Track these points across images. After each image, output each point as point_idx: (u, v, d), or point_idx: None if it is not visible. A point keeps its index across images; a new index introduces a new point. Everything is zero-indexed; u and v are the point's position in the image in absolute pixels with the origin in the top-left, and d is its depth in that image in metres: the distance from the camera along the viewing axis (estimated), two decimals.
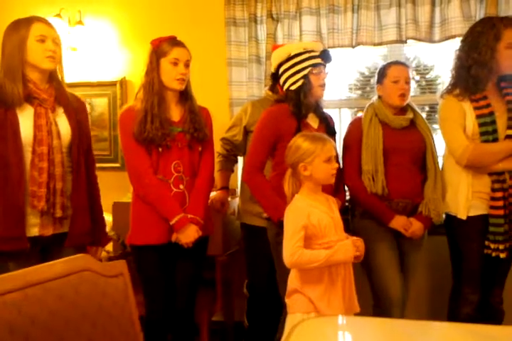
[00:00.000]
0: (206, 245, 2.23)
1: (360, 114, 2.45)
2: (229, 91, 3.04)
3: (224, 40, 3.04)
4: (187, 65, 2.11)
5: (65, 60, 2.07)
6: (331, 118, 2.32)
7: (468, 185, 2.21)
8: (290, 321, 1.83)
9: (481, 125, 2.17)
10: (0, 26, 1.96)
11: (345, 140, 2.36)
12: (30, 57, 1.89)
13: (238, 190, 2.80)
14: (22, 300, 1.06)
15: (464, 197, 2.21)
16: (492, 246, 2.15)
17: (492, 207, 2.15)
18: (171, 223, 2.04)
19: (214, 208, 2.51)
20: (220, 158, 2.68)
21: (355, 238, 1.84)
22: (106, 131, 3.27)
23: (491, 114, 2.18)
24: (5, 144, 1.82)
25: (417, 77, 3.14)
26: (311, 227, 1.80)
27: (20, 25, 1.89)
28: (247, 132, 2.54)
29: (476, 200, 2.20)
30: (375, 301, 2.28)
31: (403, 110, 2.32)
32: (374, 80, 2.42)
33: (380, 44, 2.85)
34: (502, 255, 2.14)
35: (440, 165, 2.34)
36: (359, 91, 3.24)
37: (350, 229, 2.24)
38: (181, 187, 2.10)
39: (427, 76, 3.18)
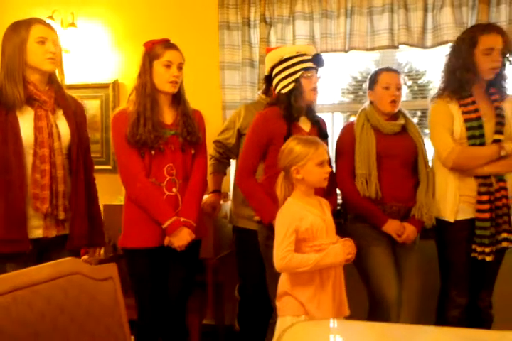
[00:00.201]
0: (199, 248, 2.23)
1: (352, 119, 2.46)
2: (222, 95, 3.04)
3: (217, 44, 3.04)
4: (180, 68, 2.11)
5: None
6: (323, 121, 2.33)
7: (455, 188, 2.24)
8: (280, 324, 1.84)
9: (468, 129, 2.21)
10: None
11: (338, 145, 2.38)
12: (30, 59, 1.89)
13: (230, 193, 2.80)
14: (10, 303, 1.06)
15: (451, 200, 2.24)
16: (478, 249, 2.17)
17: (478, 211, 2.18)
18: (164, 226, 2.03)
19: (205, 212, 2.51)
20: (213, 161, 2.68)
21: (344, 239, 1.85)
22: (98, 133, 3.26)
23: (479, 118, 2.21)
24: (6, 146, 1.82)
25: (409, 82, 3.16)
26: (303, 231, 1.80)
27: (21, 27, 1.89)
28: (240, 135, 2.54)
29: (463, 204, 2.23)
30: (371, 304, 2.28)
31: (394, 116, 2.34)
32: (366, 85, 2.44)
33: (373, 49, 2.87)
34: (488, 258, 2.16)
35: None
36: (351, 96, 3.25)
37: (342, 232, 2.24)
38: (174, 190, 2.09)
39: (419, 81, 3.20)
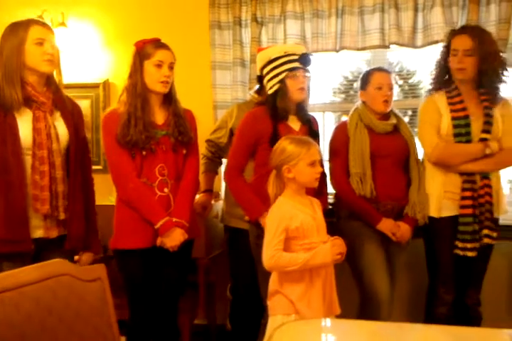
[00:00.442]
0: (191, 249, 2.23)
1: (344, 118, 2.48)
2: (213, 94, 3.04)
3: (208, 43, 3.04)
4: (171, 68, 2.10)
5: None
6: (314, 120, 2.33)
7: (440, 184, 2.29)
8: (271, 323, 1.84)
9: (455, 127, 2.26)
10: None
11: (331, 144, 2.39)
12: (28, 60, 1.89)
13: (222, 193, 2.80)
14: None
15: (436, 195, 2.29)
16: (460, 245, 2.22)
17: (462, 207, 2.23)
18: (156, 227, 2.02)
19: (196, 212, 2.51)
20: (205, 160, 2.68)
21: (333, 238, 1.85)
22: (88, 133, 3.22)
23: (466, 117, 2.26)
24: (4, 148, 1.82)
25: (400, 82, 3.17)
26: (293, 229, 1.81)
27: (19, 28, 1.89)
28: (232, 134, 2.54)
29: (448, 200, 2.27)
30: (362, 301, 2.30)
31: (386, 115, 2.37)
32: (357, 84, 2.45)
33: (364, 49, 2.87)
34: (470, 254, 2.21)
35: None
36: (343, 95, 3.26)
37: (335, 230, 2.26)
38: (166, 190, 2.09)
39: (410, 81, 3.22)
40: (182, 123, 2.13)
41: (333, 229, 2.15)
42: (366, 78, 2.36)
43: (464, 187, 2.23)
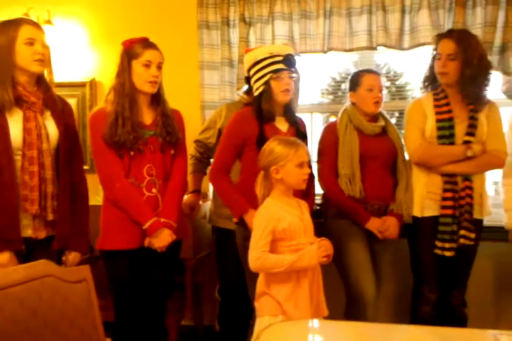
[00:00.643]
0: (179, 249, 2.22)
1: (332, 119, 2.49)
2: (201, 95, 3.03)
3: (196, 43, 3.03)
4: (159, 68, 2.09)
5: None
6: (302, 122, 2.33)
7: (423, 184, 2.32)
8: (258, 324, 1.84)
9: (439, 129, 2.30)
10: None
11: (320, 145, 2.41)
12: (18, 60, 1.88)
13: (210, 194, 2.79)
14: None
15: (419, 195, 2.32)
16: (439, 244, 2.26)
17: (442, 207, 2.27)
18: (144, 227, 2.01)
19: (183, 213, 2.50)
20: (193, 161, 2.67)
21: (320, 239, 1.86)
22: None
23: (450, 119, 2.30)
24: None
25: (387, 84, 3.19)
26: (280, 231, 1.81)
27: (9, 28, 1.88)
28: (221, 134, 2.53)
29: (430, 201, 2.31)
30: (348, 301, 2.31)
31: (375, 117, 2.39)
32: (345, 85, 2.46)
33: (351, 50, 2.88)
34: (447, 253, 2.25)
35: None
36: (331, 96, 3.27)
37: (321, 231, 2.26)
38: (154, 191, 2.08)
39: (397, 82, 3.24)
40: (170, 124, 2.12)
41: (320, 230, 2.16)
42: (356, 80, 2.38)
43: (445, 188, 2.27)
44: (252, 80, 2.20)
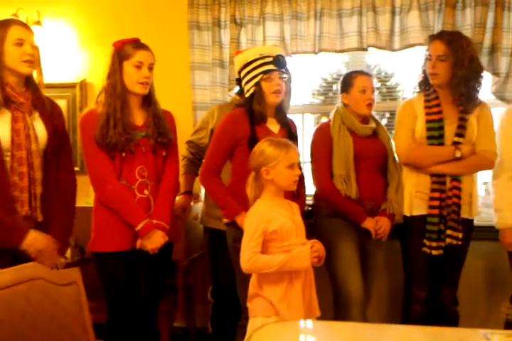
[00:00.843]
0: (171, 251, 2.21)
1: (324, 120, 2.49)
2: (192, 96, 3.02)
3: (187, 44, 3.02)
4: (151, 69, 2.09)
5: None
6: (293, 123, 2.34)
7: (412, 184, 2.35)
8: (251, 325, 1.84)
9: (428, 129, 2.32)
10: None
11: (313, 146, 2.41)
12: (7, 60, 1.87)
13: (202, 195, 2.78)
14: None
15: (408, 194, 2.35)
16: (427, 243, 2.28)
17: (430, 207, 2.29)
18: (137, 229, 2.00)
19: (175, 214, 2.49)
20: (185, 162, 2.66)
21: (312, 241, 1.86)
22: None
23: (440, 120, 2.32)
24: None
25: (378, 84, 3.21)
26: (271, 232, 1.81)
27: None
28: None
29: (418, 200, 2.33)
30: (334, 301, 2.32)
31: (365, 119, 2.40)
32: (336, 86, 2.47)
33: (342, 51, 2.89)
34: (434, 252, 2.27)
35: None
36: (322, 97, 3.28)
37: (313, 230, 2.27)
38: (146, 192, 2.07)
39: (388, 83, 3.26)
40: (161, 125, 2.11)
41: (311, 230, 2.16)
42: (349, 81, 2.38)
43: (432, 188, 2.29)
44: (243, 82, 2.20)
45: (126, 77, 2.05)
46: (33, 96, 1.94)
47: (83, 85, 3.20)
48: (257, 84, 2.14)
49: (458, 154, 2.27)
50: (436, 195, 2.28)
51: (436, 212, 2.27)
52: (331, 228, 2.32)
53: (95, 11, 3.20)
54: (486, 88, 2.59)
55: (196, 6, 3.01)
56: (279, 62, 2.16)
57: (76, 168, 3.14)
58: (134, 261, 2.08)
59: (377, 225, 2.28)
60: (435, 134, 2.31)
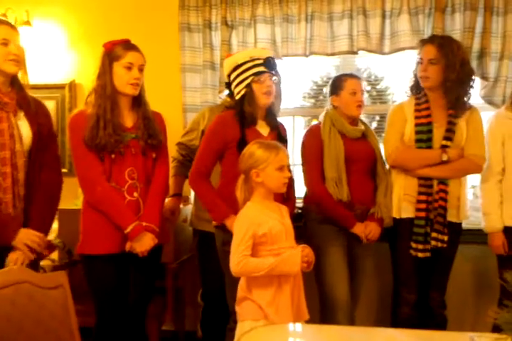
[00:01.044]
0: (160, 254, 2.20)
1: (314, 122, 2.49)
2: (183, 97, 3.01)
3: (178, 46, 3.01)
4: (141, 70, 2.08)
5: None
6: (282, 126, 2.34)
7: (401, 187, 2.37)
8: (240, 329, 1.83)
9: (417, 133, 2.34)
10: None
11: (304, 149, 2.41)
12: None
13: (191, 197, 2.77)
14: None
15: (397, 197, 2.37)
16: (413, 246, 2.29)
17: (416, 209, 2.31)
18: (126, 231, 1.99)
19: (164, 216, 2.48)
20: (175, 164, 2.65)
21: (302, 246, 1.86)
22: None
23: (429, 123, 2.33)
24: None
25: (368, 88, 3.22)
26: (261, 235, 1.81)
27: None
28: None
29: (406, 203, 2.35)
30: (321, 306, 2.32)
31: (354, 122, 2.41)
32: (326, 89, 2.47)
33: (333, 54, 2.90)
34: (420, 255, 2.29)
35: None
36: (312, 100, 3.29)
37: (302, 234, 2.27)
38: (135, 194, 2.05)
39: (378, 87, 3.27)
40: (151, 126, 2.10)
41: (300, 234, 2.16)
42: (338, 83, 2.39)
43: (419, 190, 2.31)
44: (233, 84, 2.20)
45: (116, 78, 2.04)
46: (18, 96, 1.93)
47: (72, 86, 3.19)
48: (248, 85, 2.14)
49: (444, 157, 2.29)
50: (423, 197, 2.29)
51: (422, 214, 2.28)
52: (320, 233, 2.32)
53: (85, 11, 3.19)
54: (475, 92, 2.61)
55: (187, 7, 3.00)
56: (269, 64, 2.17)
57: (64, 170, 3.12)
58: (122, 263, 2.07)
59: (367, 230, 2.28)
60: (423, 137, 2.32)
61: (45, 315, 1.13)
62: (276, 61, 2.27)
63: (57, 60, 3.20)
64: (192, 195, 2.72)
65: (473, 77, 2.38)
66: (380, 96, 3.25)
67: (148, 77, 2.17)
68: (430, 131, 2.32)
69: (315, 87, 3.28)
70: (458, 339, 1.46)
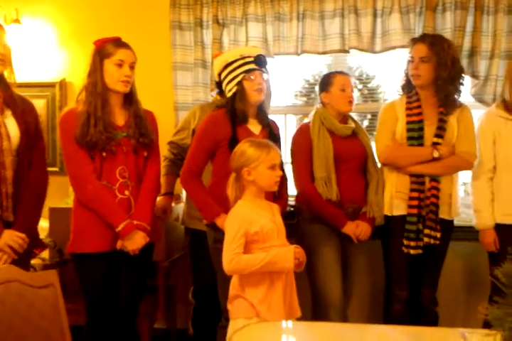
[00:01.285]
0: (152, 252, 2.19)
1: (306, 121, 2.50)
2: (174, 96, 3.00)
3: (169, 44, 3.00)
4: (132, 67, 2.07)
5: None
6: (275, 124, 2.34)
7: (393, 184, 2.38)
8: (232, 327, 1.83)
9: (408, 130, 2.35)
10: None
11: (294, 147, 2.41)
12: None
13: (183, 196, 2.77)
14: None
15: (389, 195, 2.37)
16: (406, 242, 2.30)
17: (409, 206, 2.32)
18: (117, 230, 1.98)
19: (156, 215, 2.47)
20: (167, 163, 2.64)
21: (294, 246, 1.86)
22: (44, 134, 3.08)
23: (420, 121, 2.35)
24: None
25: (360, 86, 3.23)
26: (253, 234, 1.81)
27: None
28: None
29: (398, 200, 2.36)
30: (313, 305, 2.32)
31: (344, 119, 2.41)
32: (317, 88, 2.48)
33: (324, 53, 2.90)
34: (412, 251, 2.29)
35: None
36: (304, 98, 3.29)
37: (294, 233, 2.27)
38: (126, 193, 2.05)
39: (369, 85, 3.28)
40: (143, 125, 2.10)
41: (292, 232, 2.16)
42: (328, 80, 2.40)
43: (411, 188, 2.32)
44: (224, 83, 2.20)
45: (106, 76, 2.03)
46: (5, 95, 1.92)
47: (63, 84, 3.17)
48: (239, 83, 2.14)
49: (436, 154, 2.30)
50: (415, 194, 2.30)
51: (415, 211, 2.29)
52: (312, 233, 2.32)
53: (75, 9, 3.17)
54: (466, 90, 2.62)
55: (178, 5, 2.99)
56: (260, 61, 2.17)
57: (56, 169, 3.12)
58: (114, 262, 2.06)
59: (358, 230, 2.28)
60: (415, 135, 2.34)
61: (35, 313, 1.12)
62: (267, 59, 2.27)
63: (48, 58, 3.18)
64: (184, 193, 2.71)
65: (463, 75, 2.40)
66: (371, 95, 3.26)
67: (139, 76, 2.16)
68: (421, 129, 2.33)
69: (307, 86, 3.28)
70: (449, 336, 1.48)
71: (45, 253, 2.59)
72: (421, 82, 2.35)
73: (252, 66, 2.15)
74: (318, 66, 3.22)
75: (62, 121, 2.07)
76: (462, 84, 2.39)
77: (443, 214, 2.34)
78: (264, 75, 2.18)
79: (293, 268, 1.82)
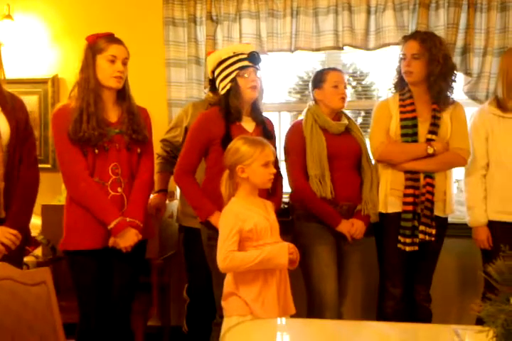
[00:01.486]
0: (145, 249, 2.19)
1: (300, 118, 2.49)
2: (167, 92, 2.99)
3: (162, 40, 2.99)
4: (125, 63, 2.06)
5: None
6: (269, 121, 2.33)
7: (387, 181, 2.38)
8: (226, 324, 1.83)
9: (402, 127, 2.36)
10: None
11: (287, 145, 2.40)
12: None
13: (177, 193, 2.76)
14: None
15: (383, 192, 2.38)
16: (401, 239, 2.31)
17: (404, 203, 2.32)
18: (110, 227, 1.97)
19: (149, 213, 2.46)
20: (160, 160, 2.63)
21: (288, 243, 1.85)
22: (36, 130, 3.10)
23: (414, 118, 2.36)
24: None
25: (354, 83, 3.23)
26: (247, 231, 1.81)
27: None
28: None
29: (393, 197, 2.36)
30: (308, 304, 2.32)
31: (337, 116, 2.41)
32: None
33: (318, 50, 2.90)
34: (407, 248, 2.30)
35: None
36: (298, 95, 3.29)
37: (288, 231, 2.26)
38: (119, 190, 2.04)
39: (363, 82, 3.28)
40: (136, 121, 2.09)
41: (286, 229, 2.16)
42: (321, 77, 2.39)
43: (406, 184, 2.32)
44: (218, 80, 2.19)
45: (99, 71, 2.02)
46: None
47: (55, 81, 3.14)
48: (233, 80, 2.14)
49: (430, 150, 2.30)
50: (410, 191, 2.31)
51: (410, 208, 2.30)
52: (307, 231, 2.32)
53: (68, 5, 3.14)
54: (459, 88, 2.63)
55: (171, 1, 2.97)
56: (253, 58, 2.17)
57: (48, 165, 3.10)
58: (106, 259, 2.06)
59: (352, 229, 2.28)
60: (409, 132, 2.34)
61: (27, 311, 1.12)
62: (260, 56, 2.26)
63: (40, 54, 3.15)
64: (178, 190, 2.71)
65: (455, 72, 2.41)
66: (365, 92, 3.26)
67: (132, 72, 2.15)
68: (415, 126, 2.34)
69: (301, 83, 3.28)
70: (442, 332, 1.48)
71: (38, 251, 2.58)
72: (413, 78, 2.36)
73: (246, 63, 2.15)
74: (312, 63, 3.21)
75: (54, 118, 2.06)
76: (454, 80, 2.40)
77: (437, 211, 2.34)
78: (258, 72, 2.18)
79: (287, 264, 1.82)
